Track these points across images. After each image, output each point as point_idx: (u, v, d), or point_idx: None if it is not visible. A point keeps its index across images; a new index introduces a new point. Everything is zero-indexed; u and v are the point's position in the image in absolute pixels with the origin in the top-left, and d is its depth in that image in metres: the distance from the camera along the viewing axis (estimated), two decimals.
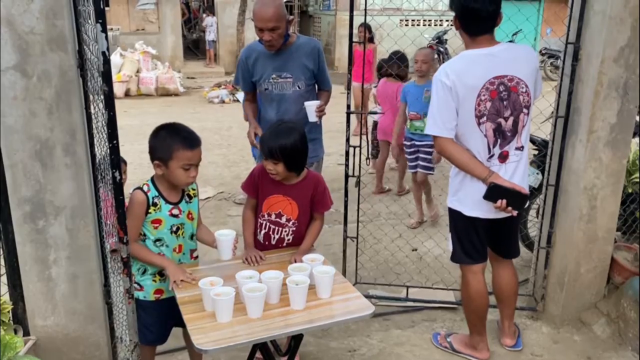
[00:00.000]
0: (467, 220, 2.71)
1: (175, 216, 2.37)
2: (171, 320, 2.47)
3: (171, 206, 2.35)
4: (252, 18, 3.16)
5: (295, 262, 2.39)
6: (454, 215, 2.76)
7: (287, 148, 2.39)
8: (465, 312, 2.97)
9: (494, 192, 2.53)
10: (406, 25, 15.55)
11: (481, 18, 2.49)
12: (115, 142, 1.54)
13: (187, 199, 2.43)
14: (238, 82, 3.54)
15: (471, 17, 2.50)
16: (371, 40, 7.49)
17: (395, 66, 5.02)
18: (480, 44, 2.54)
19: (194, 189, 2.47)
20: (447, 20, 15.51)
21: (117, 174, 1.57)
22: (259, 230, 2.63)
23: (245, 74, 3.36)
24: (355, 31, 3.18)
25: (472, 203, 2.64)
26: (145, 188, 2.32)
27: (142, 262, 2.34)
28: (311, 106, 3.23)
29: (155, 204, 2.31)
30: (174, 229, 2.37)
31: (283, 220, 2.58)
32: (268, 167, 2.44)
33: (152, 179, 2.36)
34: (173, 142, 2.26)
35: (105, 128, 1.57)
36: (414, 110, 4.56)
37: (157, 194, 2.33)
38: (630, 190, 3.58)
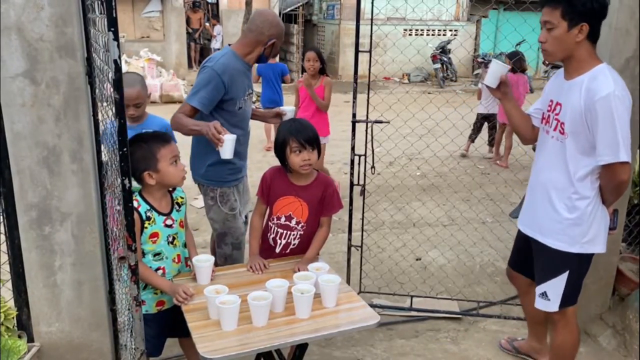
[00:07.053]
0: (591, 258, 2.48)
1: (170, 226, 2.38)
2: (169, 332, 2.47)
3: (164, 217, 2.36)
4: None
5: (300, 270, 2.39)
6: (583, 259, 2.46)
7: (317, 136, 2.53)
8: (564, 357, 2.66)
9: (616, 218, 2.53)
10: (410, 35, 15.62)
11: None
12: (125, 149, 1.54)
13: (177, 208, 2.44)
14: (204, 104, 2.78)
15: (602, 21, 2.26)
16: (322, 71, 5.23)
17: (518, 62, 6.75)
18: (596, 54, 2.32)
19: (182, 197, 2.48)
20: (450, 30, 15.59)
21: (126, 181, 1.57)
22: (268, 234, 2.63)
23: (217, 94, 2.80)
24: (364, 41, 3.15)
25: (603, 237, 2.45)
26: (135, 204, 2.29)
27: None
28: (290, 112, 3.18)
29: (149, 218, 2.31)
30: (170, 239, 2.39)
31: (292, 223, 2.58)
32: (305, 158, 2.47)
33: (140, 193, 2.35)
34: (150, 146, 2.29)
35: (114, 135, 1.58)
36: None
37: (148, 207, 2.33)
38: (635, 201, 3.57)
